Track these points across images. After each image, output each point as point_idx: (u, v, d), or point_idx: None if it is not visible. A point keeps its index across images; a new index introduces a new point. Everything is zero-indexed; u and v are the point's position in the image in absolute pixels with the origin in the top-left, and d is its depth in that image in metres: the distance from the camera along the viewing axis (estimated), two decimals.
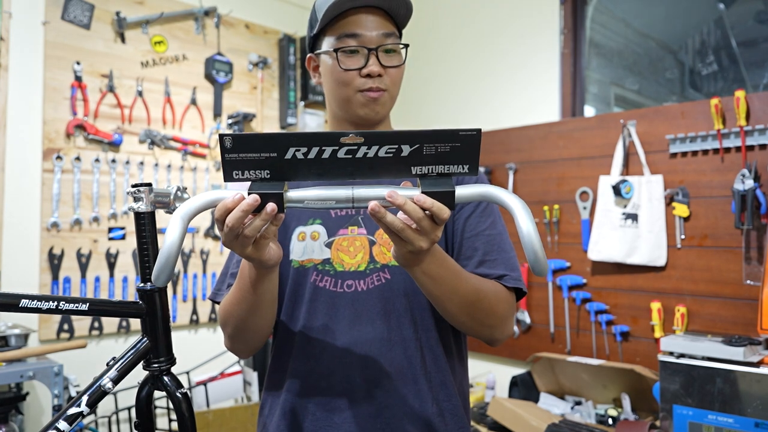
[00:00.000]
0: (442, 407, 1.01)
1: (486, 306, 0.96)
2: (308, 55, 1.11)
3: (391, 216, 0.75)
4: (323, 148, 0.73)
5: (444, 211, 0.74)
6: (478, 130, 0.73)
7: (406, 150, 0.73)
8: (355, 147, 0.73)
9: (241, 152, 0.74)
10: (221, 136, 0.74)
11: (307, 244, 1.06)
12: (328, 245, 1.05)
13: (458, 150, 0.74)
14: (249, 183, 0.77)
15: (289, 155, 0.74)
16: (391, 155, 0.74)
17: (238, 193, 0.77)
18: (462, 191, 0.77)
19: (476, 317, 0.96)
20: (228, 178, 0.77)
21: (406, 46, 1.06)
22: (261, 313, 0.98)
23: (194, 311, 2.85)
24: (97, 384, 0.92)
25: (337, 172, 0.76)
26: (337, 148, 0.73)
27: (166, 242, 0.75)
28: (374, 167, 0.75)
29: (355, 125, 1.07)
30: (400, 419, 0.99)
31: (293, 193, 0.77)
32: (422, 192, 0.75)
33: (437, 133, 0.73)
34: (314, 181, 0.78)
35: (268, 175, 0.76)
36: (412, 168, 0.75)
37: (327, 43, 1.05)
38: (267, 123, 3.16)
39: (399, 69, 1.06)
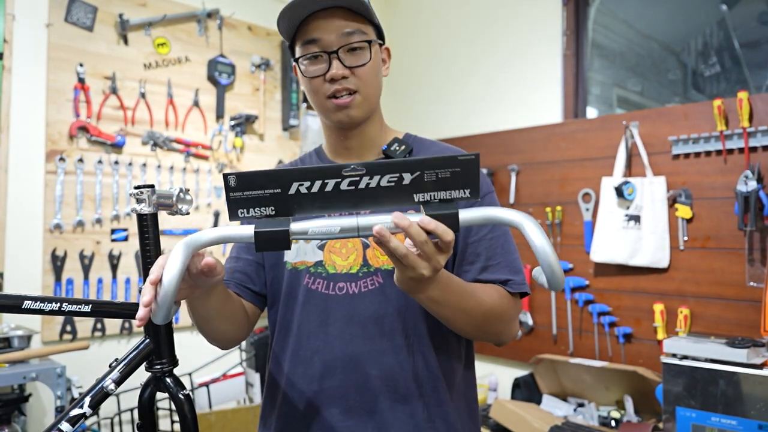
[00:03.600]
0: (432, 413, 1.00)
1: (492, 317, 0.96)
2: (293, 64, 1.09)
3: (395, 241, 0.74)
4: (326, 181, 0.75)
5: (448, 234, 0.74)
6: (476, 155, 0.74)
7: (407, 178, 0.74)
8: (358, 178, 0.74)
9: (246, 190, 0.75)
10: (225, 176, 0.75)
11: (300, 246, 1.06)
12: (321, 247, 1.05)
13: (458, 175, 0.75)
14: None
15: (292, 190, 0.75)
16: (393, 184, 0.75)
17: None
18: (467, 214, 0.76)
19: (483, 328, 0.97)
20: (233, 217, 0.77)
21: (370, 42, 1.00)
22: (206, 327, 1.00)
23: None
24: (100, 385, 0.92)
25: (340, 204, 0.76)
26: (339, 180, 0.74)
27: (165, 276, 0.73)
28: (377, 197, 0.75)
29: (339, 130, 1.06)
30: (391, 424, 0.99)
31: (297, 226, 0.76)
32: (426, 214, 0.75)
33: (436, 160, 0.74)
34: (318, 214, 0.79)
35: (273, 212, 0.77)
36: (415, 195, 0.76)
37: (297, 51, 1.04)
38: (269, 124, 3.16)
39: (368, 67, 1.00)
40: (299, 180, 0.75)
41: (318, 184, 0.75)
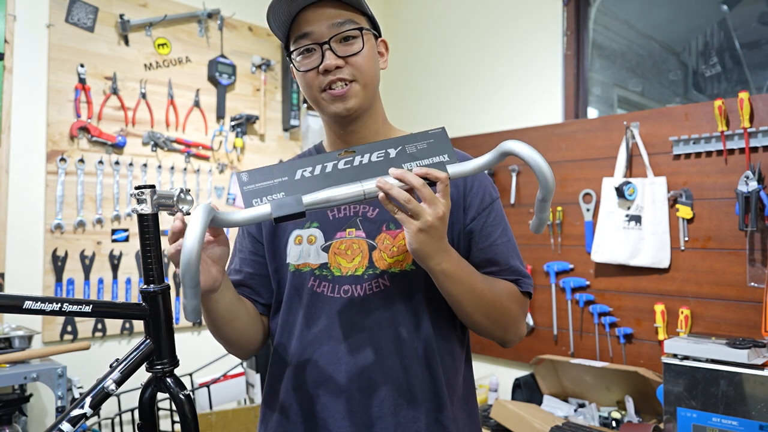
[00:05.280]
0: (435, 417, 1.00)
1: (500, 306, 0.98)
2: (290, 66, 1.07)
3: (397, 189, 0.83)
4: (325, 164, 0.88)
5: (440, 173, 0.85)
6: (442, 128, 0.92)
7: (392, 152, 0.89)
8: (351, 157, 0.89)
9: (258, 182, 0.86)
10: (238, 174, 0.87)
11: (303, 248, 1.05)
12: (325, 249, 1.04)
13: (433, 145, 0.90)
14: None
15: (298, 176, 0.87)
16: (382, 158, 0.89)
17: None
18: (456, 168, 0.88)
19: (491, 317, 0.98)
20: (249, 206, 0.85)
21: (361, 29, 0.98)
22: (225, 329, 1.00)
23: None
24: (101, 386, 0.92)
25: (341, 180, 0.87)
26: (336, 162, 0.88)
27: (187, 234, 0.76)
28: (372, 170, 0.88)
29: (339, 125, 1.04)
30: (394, 429, 0.98)
31: (308, 197, 0.84)
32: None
33: (413, 135, 0.91)
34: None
35: (283, 196, 0.86)
36: (403, 165, 0.89)
37: (291, 49, 1.02)
38: (270, 125, 3.16)
39: (362, 54, 0.98)
40: (302, 167, 0.87)
41: (319, 167, 0.87)
